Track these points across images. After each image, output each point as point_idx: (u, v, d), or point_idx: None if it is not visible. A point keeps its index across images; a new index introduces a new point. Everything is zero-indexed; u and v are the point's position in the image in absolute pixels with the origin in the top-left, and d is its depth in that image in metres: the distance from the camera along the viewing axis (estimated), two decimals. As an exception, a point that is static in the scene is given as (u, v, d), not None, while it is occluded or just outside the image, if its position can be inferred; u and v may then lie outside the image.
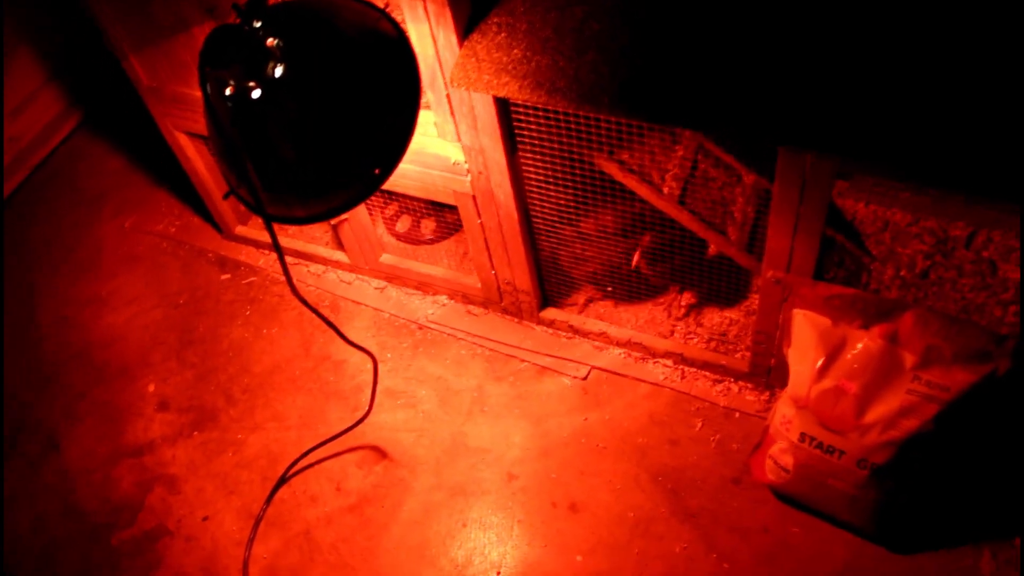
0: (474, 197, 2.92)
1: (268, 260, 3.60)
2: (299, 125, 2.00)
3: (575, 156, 2.72)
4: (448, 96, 2.59)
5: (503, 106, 2.58)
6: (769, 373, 2.82)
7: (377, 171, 2.11)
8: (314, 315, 2.37)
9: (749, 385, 2.90)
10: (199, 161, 3.35)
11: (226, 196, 2.20)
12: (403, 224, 3.44)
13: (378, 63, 2.09)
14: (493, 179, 2.81)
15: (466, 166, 2.83)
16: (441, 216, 3.34)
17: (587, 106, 2.26)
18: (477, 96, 2.54)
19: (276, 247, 2.19)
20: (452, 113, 2.65)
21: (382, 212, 3.64)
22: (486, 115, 2.60)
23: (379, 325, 3.30)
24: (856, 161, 2.25)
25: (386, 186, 2.70)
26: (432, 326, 3.25)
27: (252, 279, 3.60)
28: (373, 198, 3.18)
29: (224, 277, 3.61)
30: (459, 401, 3.03)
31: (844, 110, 2.06)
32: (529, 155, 2.74)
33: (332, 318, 3.36)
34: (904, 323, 2.17)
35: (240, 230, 3.67)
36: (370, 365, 2.79)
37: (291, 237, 3.51)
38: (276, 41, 1.92)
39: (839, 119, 2.05)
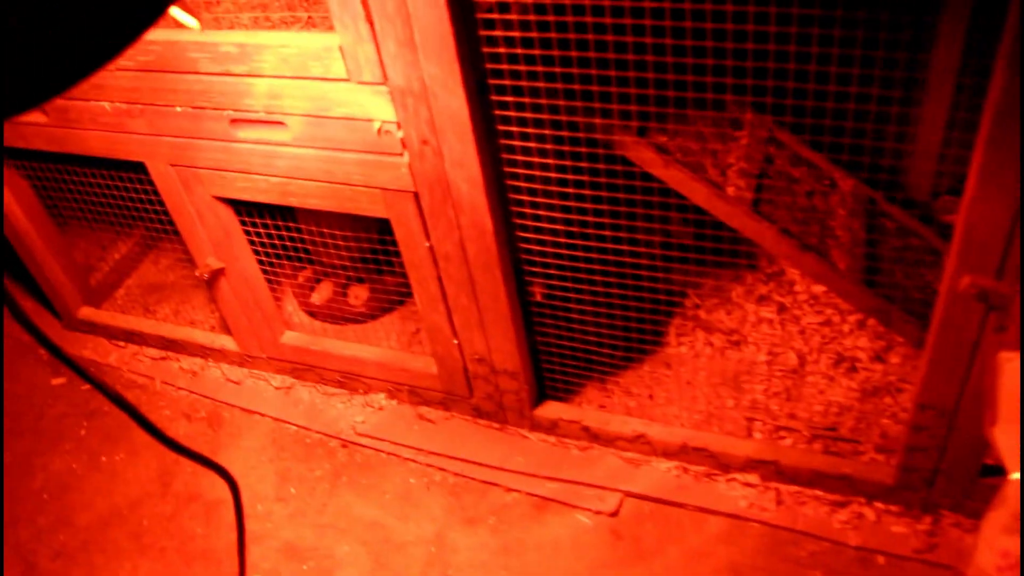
0: (415, 194, 1.82)
1: (123, 356, 2.90)
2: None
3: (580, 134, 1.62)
4: None
5: None
6: (932, 484, 1.95)
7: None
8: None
9: (894, 507, 2.06)
10: (20, 213, 2.57)
11: None
12: (321, 293, 2.74)
13: None
14: (449, 151, 1.68)
15: (399, 133, 1.66)
16: (377, 279, 2.63)
17: None
18: None
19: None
20: (368, 16, 1.50)
21: (291, 280, 2.74)
22: (429, 11, 1.45)
23: (280, 443, 2.52)
24: None
25: (255, 198, 2.08)
26: (363, 442, 2.47)
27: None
28: (275, 258, 2.38)
29: (57, 382, 2.86)
30: (406, 562, 2.22)
31: None
32: (513, 111, 1.60)
33: (210, 436, 2.53)
34: None
35: (86, 313, 2.90)
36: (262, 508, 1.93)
37: (159, 320, 2.83)
38: None
39: None
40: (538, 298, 2.05)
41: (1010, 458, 1.59)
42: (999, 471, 1.61)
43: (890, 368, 2.21)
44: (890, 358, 2.23)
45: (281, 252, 2.31)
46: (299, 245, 2.32)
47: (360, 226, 2.29)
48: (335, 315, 2.61)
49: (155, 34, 1.81)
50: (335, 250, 2.30)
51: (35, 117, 2.14)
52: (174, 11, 1.69)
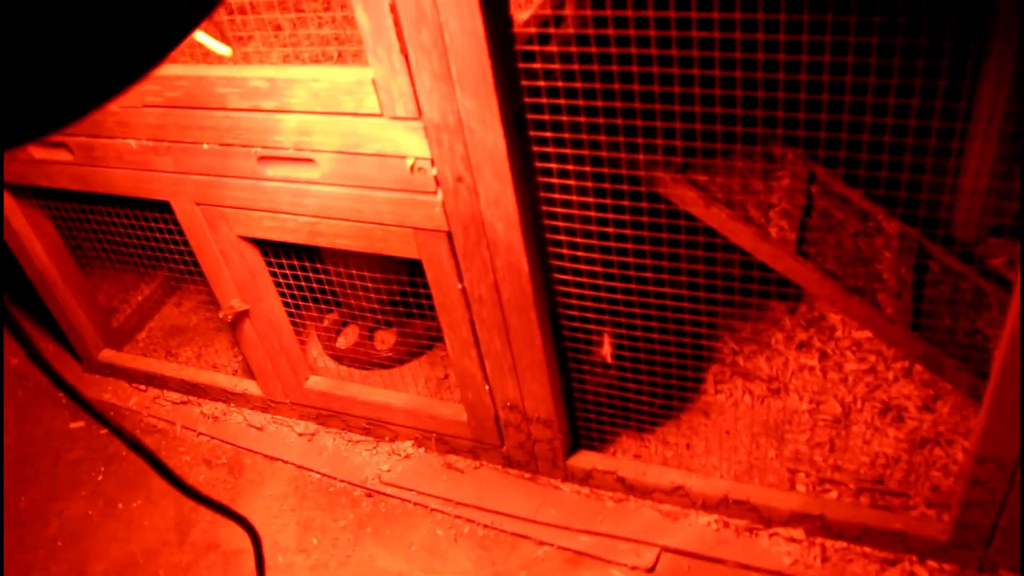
0: (449, 234, 1.74)
1: (144, 400, 2.83)
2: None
3: (622, 171, 1.56)
4: (393, 6, 1.39)
5: (497, 25, 1.39)
6: (989, 542, 1.84)
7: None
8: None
9: (948, 567, 1.94)
10: (42, 253, 2.53)
11: None
12: (348, 337, 2.67)
13: None
14: (484, 189, 1.60)
15: (433, 171, 1.59)
16: (406, 323, 2.56)
17: None
18: (447, 2, 1.35)
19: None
20: (403, 49, 1.44)
21: (316, 324, 2.67)
22: (467, 43, 1.39)
23: (303, 492, 2.42)
24: None
25: (282, 237, 2.04)
26: (389, 491, 2.37)
27: None
28: (301, 300, 2.31)
29: (75, 426, 2.77)
30: (433, 617, 2.09)
31: None
32: (552, 147, 1.53)
33: (230, 483, 2.43)
34: None
35: (107, 356, 2.84)
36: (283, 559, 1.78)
37: (181, 364, 2.75)
38: None
39: None
40: (608, 360, 1.98)
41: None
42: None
43: (939, 418, 2.10)
44: (939, 407, 2.12)
45: (307, 294, 2.25)
46: (326, 287, 2.26)
47: (389, 267, 2.22)
48: (361, 360, 2.54)
49: (183, 69, 1.77)
50: (363, 292, 2.23)
51: (59, 155, 2.10)
52: (202, 37, 1.64)
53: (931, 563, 1.90)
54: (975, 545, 1.82)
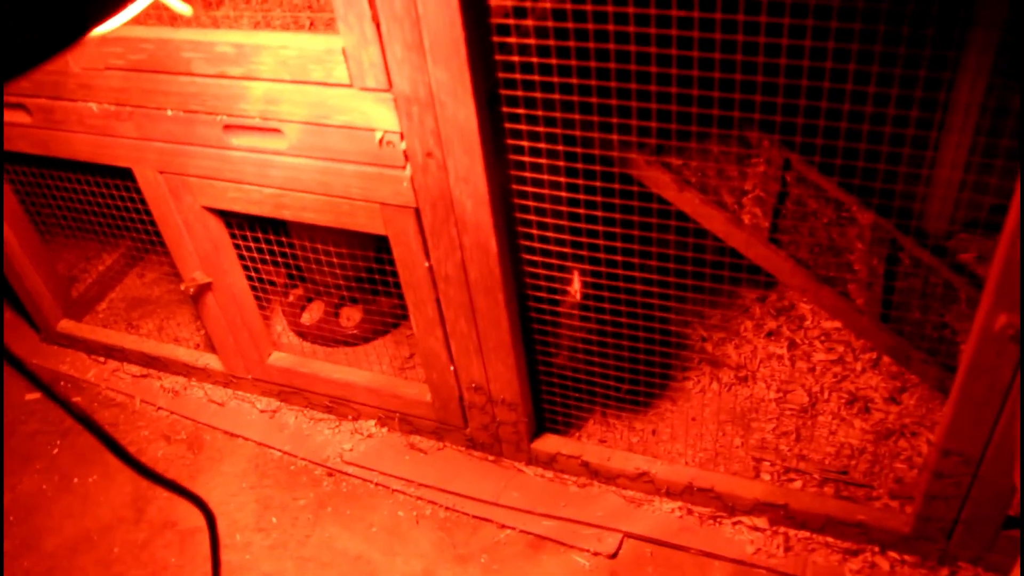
0: (417, 210, 1.69)
1: (102, 372, 2.76)
2: None
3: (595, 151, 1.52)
4: None
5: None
6: (951, 535, 1.83)
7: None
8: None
9: (910, 558, 1.93)
10: None
11: None
12: (312, 313, 2.63)
13: None
14: (454, 165, 1.57)
15: (403, 145, 1.55)
16: (372, 300, 2.51)
17: None
18: None
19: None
20: (375, 17, 1.40)
21: (281, 299, 2.61)
22: (440, 13, 1.35)
23: (263, 470, 2.37)
24: None
25: (247, 209, 1.97)
26: (350, 471, 2.33)
27: (74, 400, 2.66)
28: (266, 275, 2.24)
29: (31, 397, 2.70)
30: (392, 599, 2.04)
31: None
32: (524, 124, 1.50)
33: (189, 459, 2.38)
34: None
35: (65, 326, 2.76)
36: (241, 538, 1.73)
37: (141, 336, 2.68)
38: None
39: None
40: (578, 298, 1.94)
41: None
42: (1025, 524, 1.50)
43: (905, 410, 2.10)
44: (905, 399, 2.12)
45: (272, 269, 2.19)
46: (291, 262, 2.21)
47: (356, 243, 2.17)
48: (326, 336, 2.49)
49: (147, 31, 1.71)
50: (329, 268, 2.18)
51: (18, 117, 2.04)
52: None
53: (892, 554, 1.89)
54: (936, 538, 1.81)
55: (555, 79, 1.46)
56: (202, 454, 2.37)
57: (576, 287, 1.91)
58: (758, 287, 2.42)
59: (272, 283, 2.43)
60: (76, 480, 2.37)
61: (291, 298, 2.57)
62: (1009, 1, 2.00)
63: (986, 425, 1.58)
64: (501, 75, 1.48)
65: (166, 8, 1.69)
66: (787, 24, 1.31)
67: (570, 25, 1.41)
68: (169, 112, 1.82)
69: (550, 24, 1.45)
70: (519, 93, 1.50)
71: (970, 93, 2.14)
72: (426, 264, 1.80)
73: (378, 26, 1.46)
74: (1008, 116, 2.13)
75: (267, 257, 2.14)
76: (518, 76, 1.48)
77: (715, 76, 1.35)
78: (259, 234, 2.09)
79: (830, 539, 1.93)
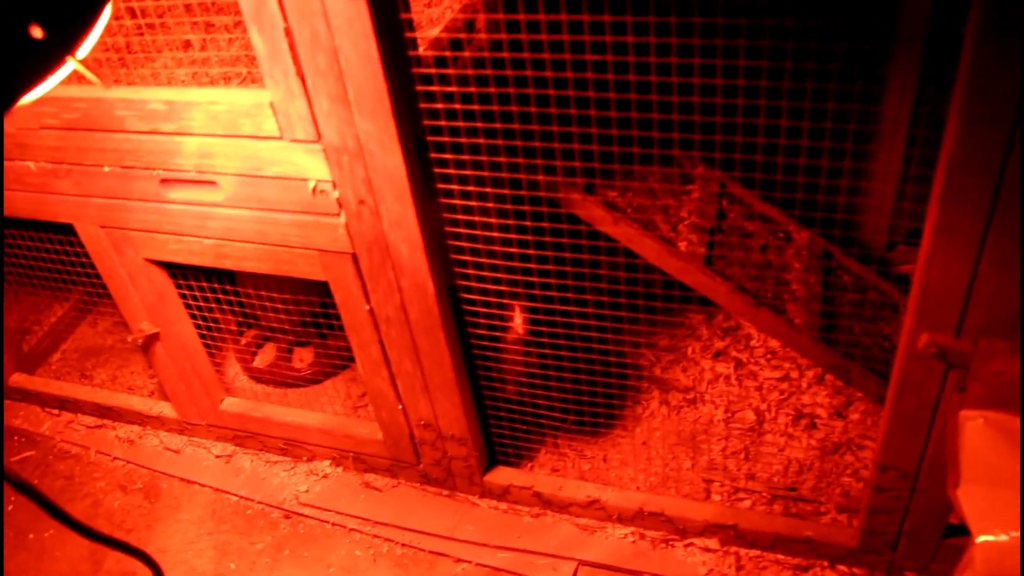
0: (354, 256, 1.71)
1: (57, 424, 2.73)
2: None
3: (523, 192, 1.55)
4: (288, 31, 1.37)
5: (394, 48, 1.38)
6: (895, 547, 1.85)
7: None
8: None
9: (858, 571, 1.96)
10: None
11: None
12: (266, 356, 2.62)
13: None
14: (387, 211, 1.59)
15: (335, 193, 1.57)
16: (321, 342, 2.50)
17: None
18: (341, 26, 1.33)
19: None
20: (300, 72, 1.42)
21: (233, 343, 2.60)
22: (362, 68, 1.38)
23: (220, 515, 2.35)
24: None
25: (188, 260, 1.98)
26: (307, 512, 2.32)
27: (28, 454, 2.63)
28: (215, 322, 2.25)
29: None
30: (351, 639, 2.03)
31: None
32: (453, 169, 1.52)
33: (146, 509, 2.37)
34: None
35: (17, 380, 2.73)
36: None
37: (95, 387, 2.67)
38: None
39: None
40: (521, 333, 1.95)
41: (974, 520, 1.52)
42: (964, 532, 1.53)
43: (850, 424, 2.13)
44: (850, 414, 2.15)
45: (219, 316, 2.20)
46: (238, 308, 2.22)
47: (300, 288, 2.18)
48: (279, 379, 2.49)
49: (79, 91, 1.72)
50: (275, 313, 2.19)
51: (-44, 178, 2.04)
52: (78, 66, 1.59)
53: (841, 568, 1.91)
54: (882, 550, 1.84)
55: (479, 124, 1.49)
56: (159, 503, 2.35)
57: (518, 322, 1.93)
58: (705, 306, 2.45)
59: (221, 329, 2.43)
60: (32, 536, 2.33)
61: (244, 341, 2.57)
62: (928, 16, 2.05)
63: (919, 439, 1.61)
64: (427, 123, 1.51)
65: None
66: (720, 44, 1.33)
67: (489, 71, 1.44)
68: (106, 168, 1.82)
69: (470, 72, 1.48)
70: (446, 139, 1.52)
71: (897, 106, 2.18)
72: (367, 307, 1.81)
73: (303, 80, 1.48)
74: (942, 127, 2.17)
75: (214, 305, 2.14)
76: (443, 123, 1.50)
77: (632, 115, 1.38)
78: (203, 283, 2.09)
79: (780, 556, 1.95)
